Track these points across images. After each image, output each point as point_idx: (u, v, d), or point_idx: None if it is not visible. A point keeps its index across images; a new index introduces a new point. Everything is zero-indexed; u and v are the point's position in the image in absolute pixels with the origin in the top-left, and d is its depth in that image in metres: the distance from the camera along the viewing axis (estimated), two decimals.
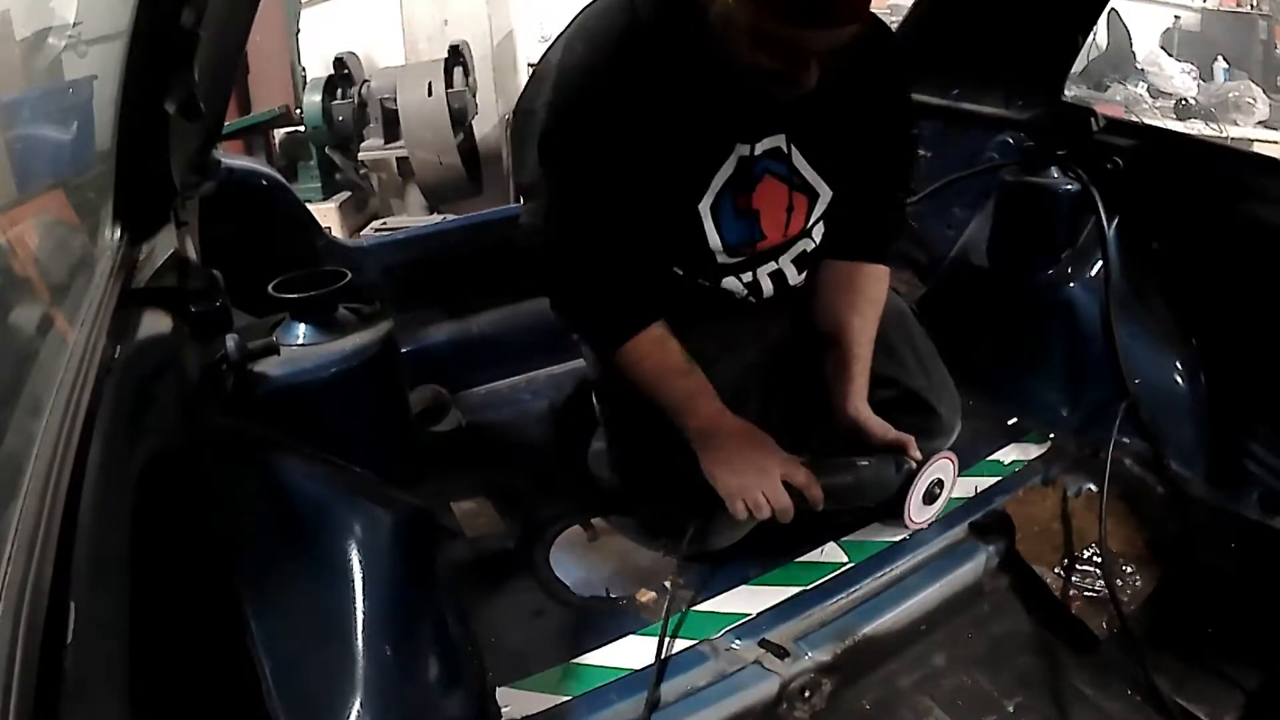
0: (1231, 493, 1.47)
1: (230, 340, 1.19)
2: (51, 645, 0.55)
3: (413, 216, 4.41)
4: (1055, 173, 1.75)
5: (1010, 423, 1.72)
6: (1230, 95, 5.34)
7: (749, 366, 1.42)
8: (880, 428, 1.36)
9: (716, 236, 1.33)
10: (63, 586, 0.59)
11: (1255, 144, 4.83)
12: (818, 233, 1.45)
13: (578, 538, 1.54)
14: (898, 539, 1.44)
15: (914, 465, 1.36)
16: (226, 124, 2.22)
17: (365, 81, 4.33)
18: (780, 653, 1.24)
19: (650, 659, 1.23)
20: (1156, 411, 1.56)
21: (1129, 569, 1.43)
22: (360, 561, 1.06)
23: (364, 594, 1.04)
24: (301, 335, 1.31)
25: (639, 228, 1.30)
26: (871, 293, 1.44)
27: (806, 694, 1.22)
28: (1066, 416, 1.70)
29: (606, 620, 1.32)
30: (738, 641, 1.26)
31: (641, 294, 1.34)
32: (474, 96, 4.30)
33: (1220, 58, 5.65)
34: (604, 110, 1.22)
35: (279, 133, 4.45)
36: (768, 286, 1.43)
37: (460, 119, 4.16)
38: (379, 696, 0.99)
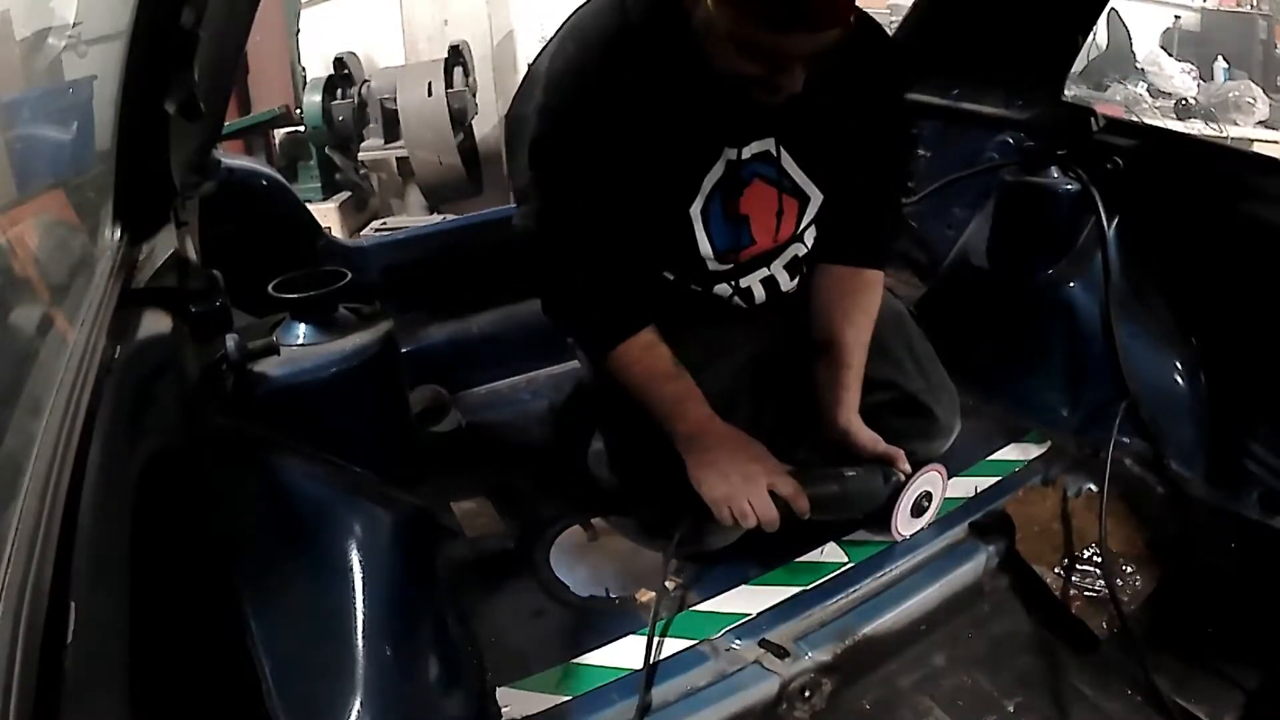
0: (1231, 493, 1.47)
1: (230, 340, 1.19)
2: (51, 645, 0.55)
3: (413, 216, 4.41)
4: (1055, 173, 1.75)
5: (1010, 423, 1.72)
6: (1230, 95, 5.35)
7: (739, 372, 1.42)
8: (870, 440, 1.35)
9: (706, 242, 1.33)
10: (63, 586, 0.59)
11: (1255, 144, 4.83)
12: (810, 237, 1.44)
13: (578, 538, 1.54)
14: (898, 539, 1.43)
15: (902, 477, 1.35)
16: (226, 124, 2.22)
17: (365, 81, 4.33)
18: (780, 653, 1.24)
19: (657, 657, 1.23)
20: (1156, 411, 1.56)
21: (1129, 569, 1.43)
22: (360, 561, 1.06)
23: (364, 594, 1.04)
24: (301, 335, 1.31)
25: (629, 231, 1.30)
26: (865, 302, 1.43)
27: (806, 694, 1.22)
28: (1066, 416, 1.70)
29: (606, 620, 1.32)
30: (738, 641, 1.26)
31: (632, 299, 1.34)
32: (474, 96, 4.31)
33: (1220, 58, 5.65)
34: (594, 112, 1.22)
35: (279, 133, 4.45)
36: (759, 293, 1.42)
37: (460, 119, 4.16)
38: (379, 696, 0.99)
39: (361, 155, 4.38)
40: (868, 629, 1.30)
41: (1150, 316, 1.64)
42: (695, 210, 1.31)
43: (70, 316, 0.96)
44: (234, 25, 1.38)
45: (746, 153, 1.30)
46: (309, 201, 2.62)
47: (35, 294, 1.07)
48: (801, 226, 1.40)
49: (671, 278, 1.41)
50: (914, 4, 2.16)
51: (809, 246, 1.45)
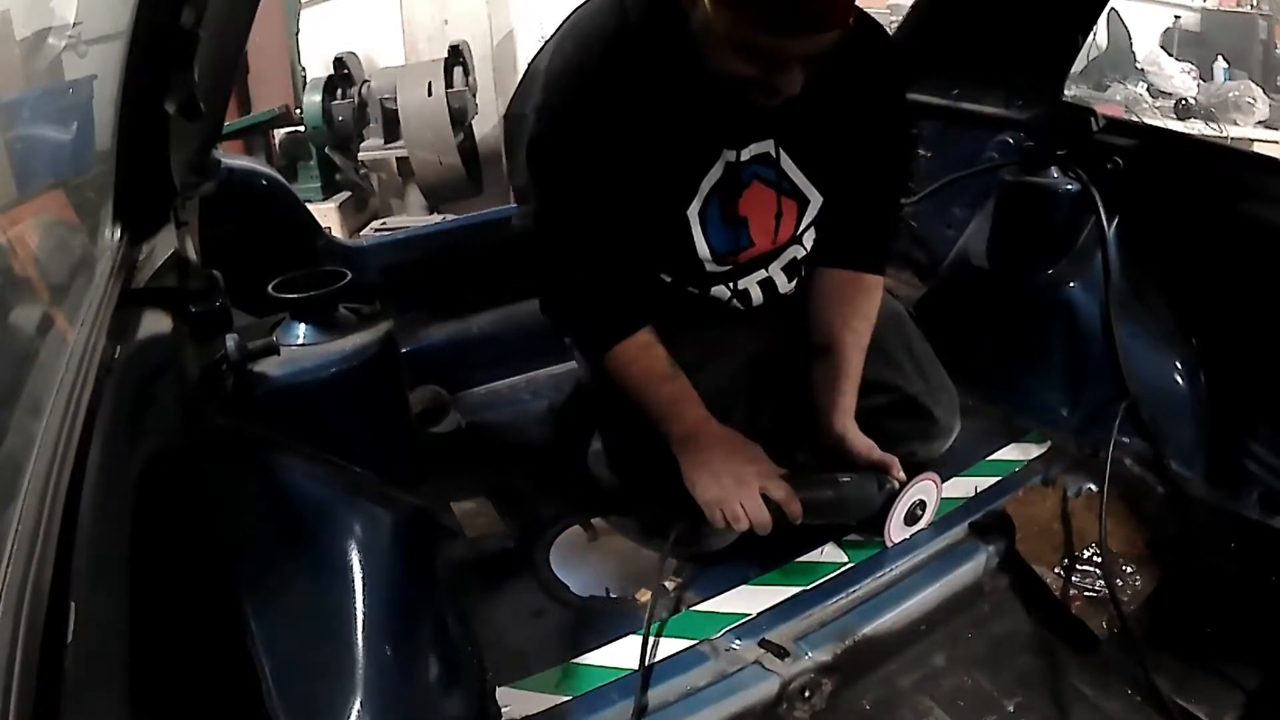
0: (1231, 493, 1.47)
1: (230, 340, 1.19)
2: (51, 645, 0.55)
3: (413, 216, 4.41)
4: (1055, 173, 1.75)
5: (1010, 423, 1.72)
6: (1230, 95, 5.35)
7: (737, 372, 1.42)
8: (865, 446, 1.35)
9: (704, 244, 1.33)
10: (63, 586, 0.59)
11: (1255, 144, 4.84)
12: (808, 239, 1.44)
13: (578, 538, 1.54)
14: (897, 539, 1.43)
15: (896, 485, 1.35)
16: (226, 124, 2.22)
17: (365, 81, 4.33)
18: (780, 653, 1.24)
19: (652, 659, 1.23)
20: (1156, 411, 1.56)
21: (1129, 569, 1.43)
22: (360, 561, 1.06)
23: (364, 594, 1.04)
24: (301, 335, 1.31)
25: (627, 232, 1.30)
26: (864, 307, 1.43)
27: (806, 694, 1.22)
28: (1066, 416, 1.70)
29: (606, 620, 1.32)
30: (738, 641, 1.26)
31: (629, 299, 1.34)
32: (474, 96, 4.31)
33: (1220, 58, 5.65)
34: (592, 112, 1.22)
35: (279, 133, 4.46)
36: (757, 295, 1.42)
37: (460, 119, 4.16)
38: (379, 696, 0.99)
39: (361, 155, 4.38)
40: (868, 629, 1.30)
41: (1150, 316, 1.64)
42: (693, 212, 1.31)
43: (70, 316, 0.96)
44: (234, 25, 1.38)
45: (746, 154, 1.30)
46: (309, 201, 2.62)
47: (35, 294, 1.07)
48: (800, 229, 1.40)
49: (669, 279, 1.40)
50: (914, 4, 2.16)
51: (808, 249, 1.45)
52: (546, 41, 1.30)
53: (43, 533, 0.61)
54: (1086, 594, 1.40)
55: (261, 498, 1.08)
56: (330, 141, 4.26)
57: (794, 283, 1.45)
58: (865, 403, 1.42)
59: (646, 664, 1.22)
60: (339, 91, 4.27)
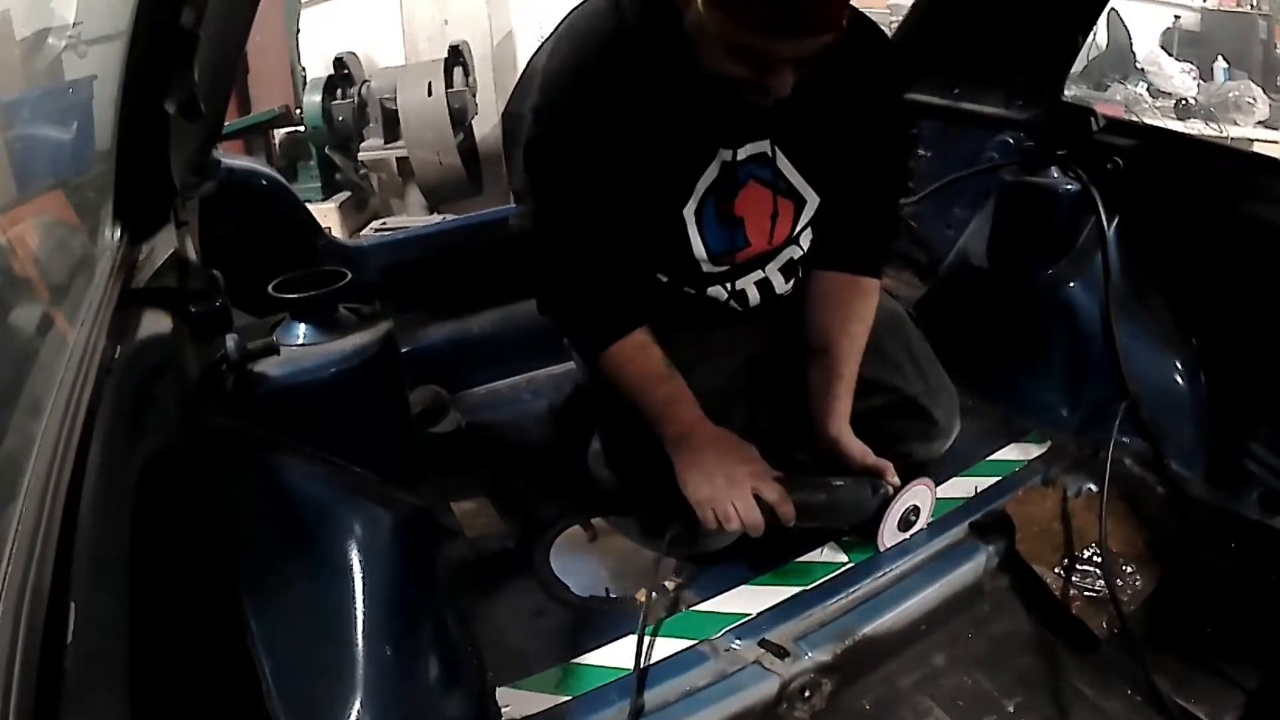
0: (1231, 493, 1.47)
1: (230, 340, 1.19)
2: (51, 645, 0.55)
3: (413, 216, 4.41)
4: (1055, 173, 1.75)
5: (1010, 423, 1.72)
6: (1230, 95, 5.35)
7: (734, 373, 1.42)
8: (859, 451, 1.35)
9: (700, 244, 1.33)
10: (63, 586, 0.59)
11: (1255, 144, 4.84)
12: (805, 240, 1.44)
13: (578, 538, 1.54)
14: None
15: (890, 490, 1.35)
16: (226, 124, 2.22)
17: (365, 81, 4.33)
18: (780, 653, 1.24)
19: (651, 659, 1.23)
20: (1156, 411, 1.56)
21: (1129, 569, 1.43)
22: (360, 561, 1.06)
23: (364, 594, 1.04)
24: (301, 335, 1.31)
25: (624, 232, 1.30)
26: (861, 310, 1.42)
27: (806, 694, 1.22)
28: (1066, 416, 1.70)
29: (606, 620, 1.32)
30: (738, 641, 1.26)
31: (626, 299, 1.34)
32: (474, 96, 4.31)
33: (1220, 58, 5.65)
34: (588, 112, 1.22)
35: (279, 133, 4.45)
36: (754, 295, 1.42)
37: (460, 119, 4.16)
38: (379, 696, 0.99)
39: (361, 155, 4.38)
40: (868, 629, 1.30)
41: (1150, 316, 1.64)
42: (689, 212, 1.31)
43: (70, 316, 0.96)
44: (234, 25, 1.38)
45: (742, 154, 1.30)
46: (309, 201, 2.62)
47: (35, 294, 1.07)
48: (797, 229, 1.40)
49: (665, 279, 1.40)
50: (914, 4, 2.16)
51: (805, 250, 1.45)
52: (544, 42, 1.30)
53: (43, 533, 0.61)
54: (1086, 594, 1.40)
55: (261, 498, 1.08)
56: (330, 141, 4.26)
57: (791, 283, 1.45)
58: (864, 403, 1.42)
59: (645, 664, 1.22)
60: (339, 91, 4.27)
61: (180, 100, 1.07)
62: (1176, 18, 5.98)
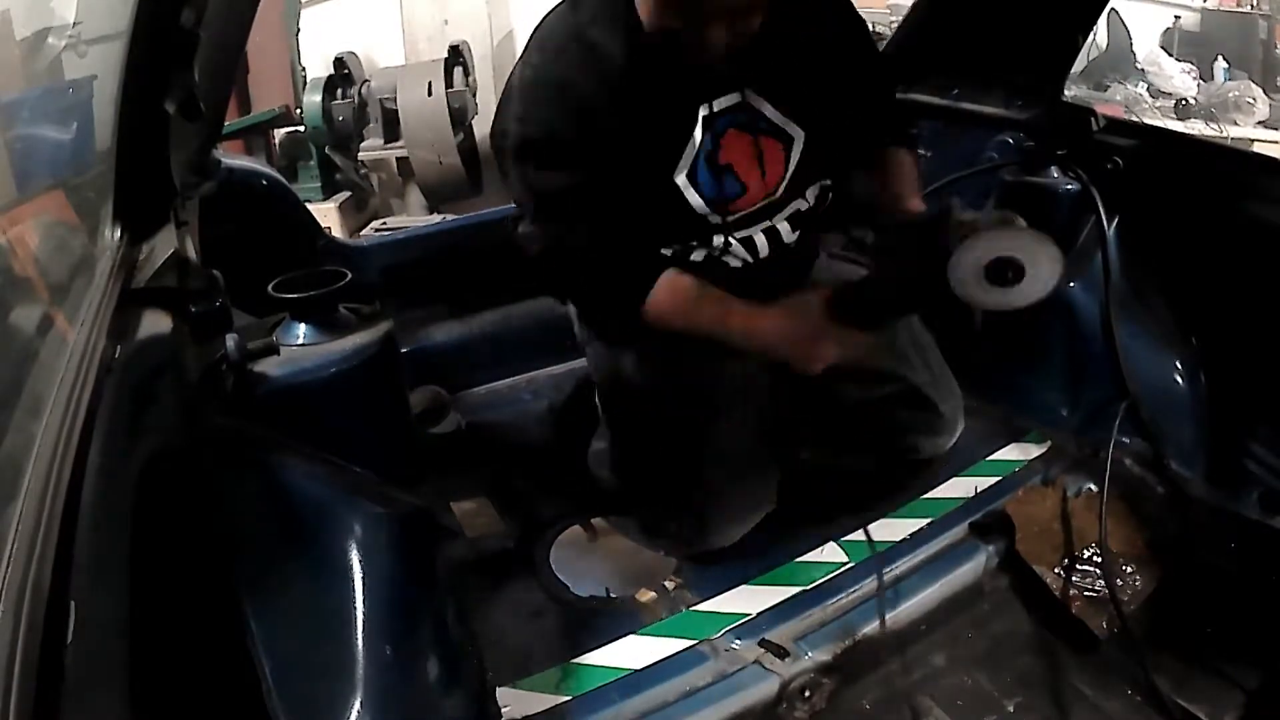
0: (1231, 493, 1.47)
1: (230, 340, 1.19)
2: (51, 645, 0.55)
3: (413, 216, 4.41)
4: (1055, 173, 1.75)
5: (1010, 423, 1.72)
6: (1230, 95, 5.34)
7: (752, 365, 1.42)
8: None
9: (697, 197, 1.33)
10: (63, 586, 0.59)
11: (1255, 144, 4.83)
12: (812, 194, 1.43)
13: (578, 538, 1.54)
14: (898, 539, 1.43)
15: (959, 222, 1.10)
16: (226, 124, 2.22)
17: (365, 81, 4.33)
18: (780, 653, 1.24)
19: (651, 659, 1.23)
20: (1156, 411, 1.56)
21: (1129, 569, 1.43)
22: (360, 561, 1.06)
23: (364, 594, 1.04)
24: (301, 335, 1.31)
25: (626, 209, 1.30)
26: (906, 170, 1.43)
27: (806, 694, 1.22)
28: (1066, 416, 1.70)
29: (606, 620, 1.32)
30: (738, 641, 1.26)
31: (645, 257, 1.35)
32: (474, 96, 4.31)
33: (1220, 58, 5.65)
34: (567, 109, 1.23)
35: (279, 133, 4.45)
36: (763, 244, 1.40)
37: (460, 119, 4.16)
38: (379, 696, 0.99)
39: (361, 155, 4.37)
40: (868, 629, 1.30)
41: (1150, 316, 1.64)
42: (681, 177, 1.31)
43: (70, 316, 0.96)
44: (234, 25, 1.38)
45: (718, 106, 1.30)
46: (309, 201, 2.61)
47: (35, 294, 1.07)
48: (791, 169, 1.38)
49: (675, 252, 1.40)
50: (914, 4, 2.16)
51: (810, 203, 1.44)
52: (518, 60, 1.32)
53: (43, 533, 0.61)
54: (1086, 594, 1.40)
55: (261, 498, 1.08)
56: (330, 141, 4.26)
57: (798, 234, 1.43)
58: (871, 392, 1.42)
59: (645, 664, 1.22)
60: (339, 91, 4.27)
61: (180, 100, 1.07)
62: (1176, 18, 5.98)
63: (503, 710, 1.16)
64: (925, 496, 1.52)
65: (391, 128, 4.27)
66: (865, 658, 1.29)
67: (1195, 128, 5.13)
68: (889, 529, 1.45)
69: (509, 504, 1.63)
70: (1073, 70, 1.96)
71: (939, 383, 1.50)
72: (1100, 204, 1.68)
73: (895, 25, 2.23)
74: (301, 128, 4.34)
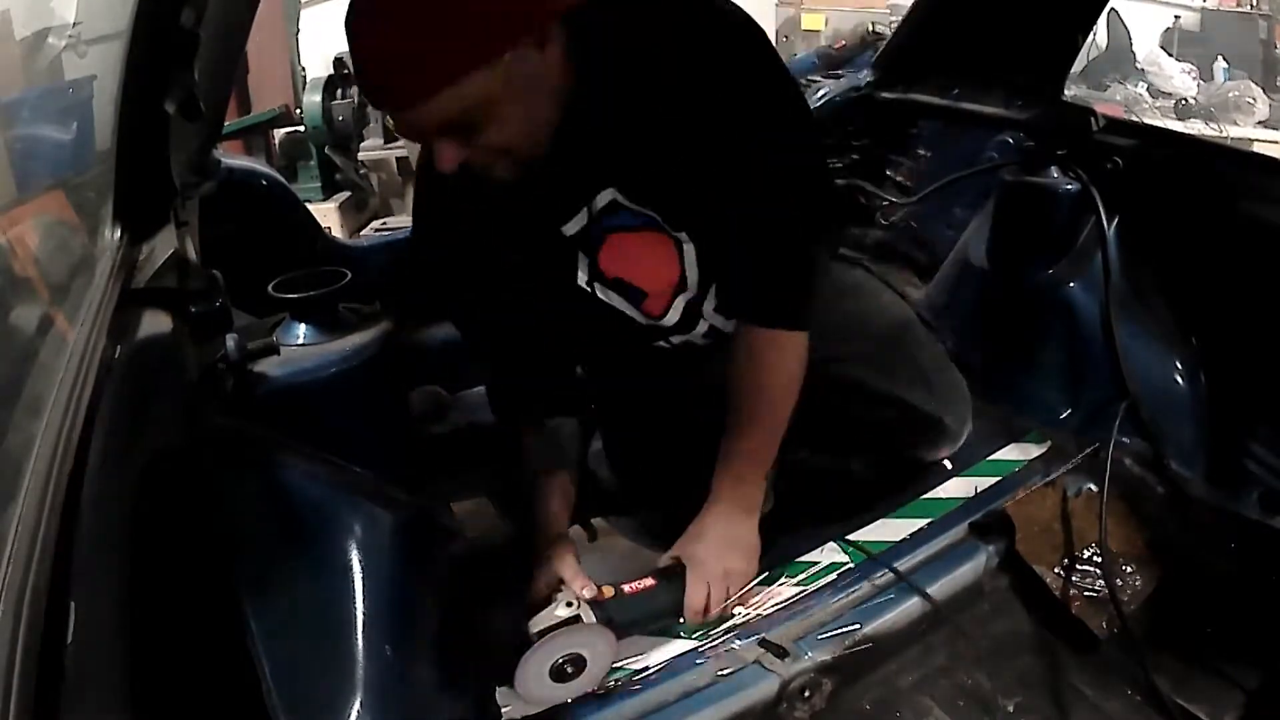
0: (1231, 493, 1.47)
1: (230, 340, 1.20)
2: (51, 645, 0.55)
3: None
4: (1055, 173, 1.75)
5: (1010, 423, 1.72)
6: (1230, 95, 5.35)
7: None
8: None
9: (621, 301, 1.27)
10: (63, 586, 0.59)
11: (1255, 144, 4.84)
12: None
13: (578, 538, 1.53)
14: (898, 539, 1.43)
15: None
16: (226, 124, 2.22)
17: None
18: (780, 653, 1.24)
19: (651, 659, 1.23)
20: (1156, 411, 1.56)
21: (1129, 569, 1.43)
22: (360, 561, 1.06)
23: (364, 594, 1.04)
24: (301, 335, 1.31)
25: (540, 324, 1.30)
26: (750, 376, 1.23)
27: (806, 694, 1.22)
28: (1066, 416, 1.70)
29: None
30: (738, 641, 1.26)
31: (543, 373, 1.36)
32: None
33: (1220, 58, 5.66)
34: (440, 243, 1.27)
35: (279, 133, 4.45)
36: (703, 344, 1.34)
37: None
38: (379, 696, 0.99)
39: (361, 155, 4.37)
40: (868, 629, 1.30)
41: (1150, 316, 1.64)
42: (583, 281, 1.25)
43: (70, 316, 0.96)
44: (234, 25, 1.39)
45: (596, 206, 1.18)
46: (309, 201, 2.62)
47: (35, 294, 1.07)
48: (688, 268, 1.25)
49: (611, 361, 1.40)
50: (914, 4, 2.16)
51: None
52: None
53: (43, 533, 0.61)
54: (1086, 594, 1.40)
55: (261, 498, 1.08)
56: (330, 141, 4.26)
57: (734, 322, 1.31)
58: (871, 415, 1.41)
59: (645, 665, 1.22)
60: (339, 91, 4.27)
61: (180, 100, 1.07)
62: (1176, 18, 5.99)
63: (503, 710, 1.16)
64: (925, 496, 1.52)
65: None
66: (865, 658, 1.29)
67: (1195, 128, 5.14)
68: (889, 529, 1.45)
69: (509, 504, 1.63)
70: (1073, 70, 1.96)
71: (942, 397, 1.48)
72: (1100, 204, 1.68)
73: (895, 25, 2.23)
74: (301, 128, 4.34)
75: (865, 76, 2.27)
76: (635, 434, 1.51)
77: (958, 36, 2.01)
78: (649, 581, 1.23)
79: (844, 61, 2.54)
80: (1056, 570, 1.43)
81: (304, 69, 4.51)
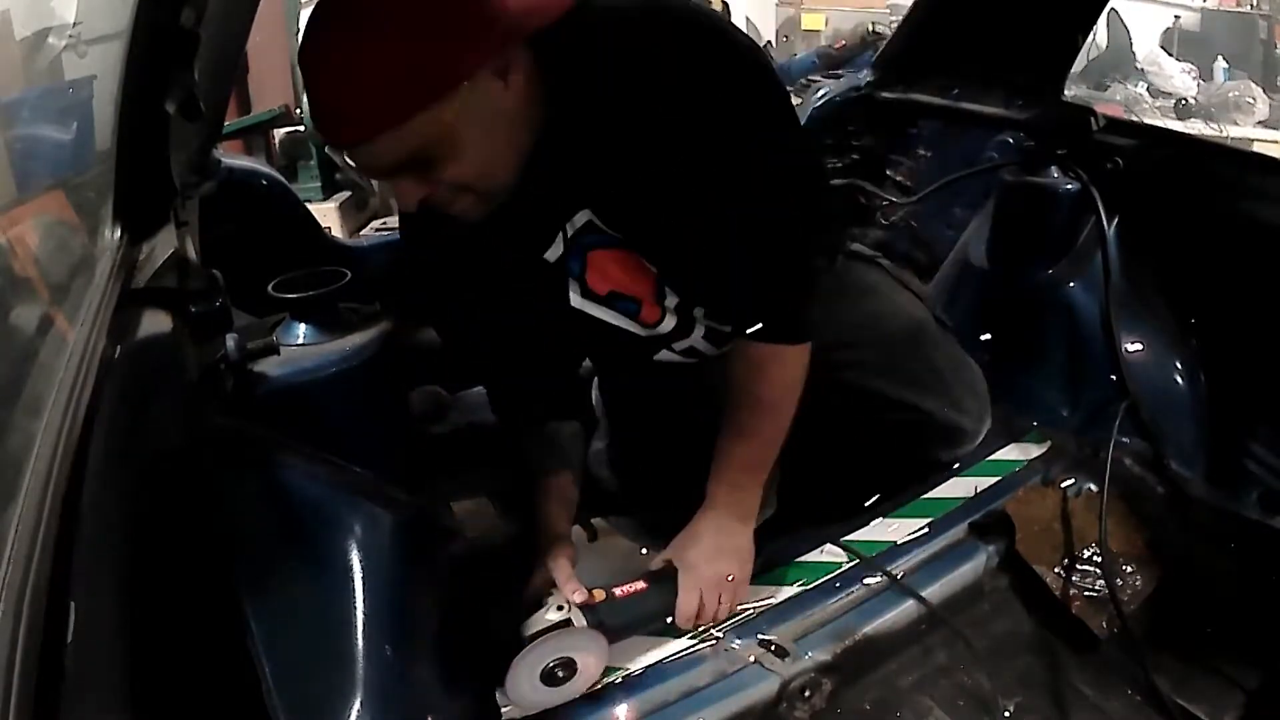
0: (1231, 493, 1.47)
1: (230, 340, 1.19)
2: (51, 645, 0.55)
3: None
4: (1055, 173, 1.75)
5: (1010, 423, 1.72)
6: (1230, 95, 5.36)
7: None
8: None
9: (615, 317, 1.27)
10: (63, 586, 0.59)
11: (1255, 144, 4.84)
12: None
13: (578, 538, 1.53)
14: (898, 539, 1.43)
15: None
16: (226, 124, 2.23)
17: None
18: (780, 653, 1.24)
19: (651, 659, 1.23)
20: (1156, 411, 1.56)
21: (1129, 569, 1.43)
22: (360, 561, 1.06)
23: (364, 594, 1.04)
24: (301, 335, 1.31)
25: (534, 344, 1.31)
26: (751, 386, 1.20)
27: (806, 694, 1.22)
28: (1066, 416, 1.70)
29: None
30: (738, 641, 1.26)
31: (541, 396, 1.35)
32: None
33: (1220, 58, 5.66)
34: (432, 279, 1.28)
35: (279, 133, 4.45)
36: (705, 347, 1.33)
37: None
38: (379, 696, 0.99)
39: None
40: (868, 629, 1.30)
41: (1150, 316, 1.64)
42: (576, 301, 1.24)
43: (70, 316, 0.96)
44: (234, 25, 1.39)
45: (571, 228, 1.16)
46: (309, 201, 2.62)
47: (35, 294, 1.07)
48: (664, 284, 1.24)
49: (615, 370, 1.40)
50: (914, 4, 2.16)
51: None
52: None
53: (43, 533, 0.61)
54: (1086, 594, 1.40)
55: (261, 498, 1.08)
56: (325, 142, 4.25)
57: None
58: (885, 421, 1.41)
59: (645, 665, 1.22)
60: None
61: (180, 100, 1.07)
62: (1176, 18, 5.99)
63: (503, 710, 1.16)
64: (925, 496, 1.52)
65: None
66: (865, 658, 1.29)
67: (1195, 128, 5.14)
68: (889, 529, 1.45)
69: (509, 504, 1.63)
70: (1073, 70, 1.96)
71: (958, 400, 1.47)
72: (1100, 204, 1.68)
73: (895, 25, 2.23)
74: (301, 128, 4.34)
75: (865, 76, 2.27)
76: (637, 434, 1.51)
77: (958, 36, 2.01)
78: (640, 585, 1.23)
79: (844, 61, 2.55)
80: (1056, 570, 1.43)
81: None
